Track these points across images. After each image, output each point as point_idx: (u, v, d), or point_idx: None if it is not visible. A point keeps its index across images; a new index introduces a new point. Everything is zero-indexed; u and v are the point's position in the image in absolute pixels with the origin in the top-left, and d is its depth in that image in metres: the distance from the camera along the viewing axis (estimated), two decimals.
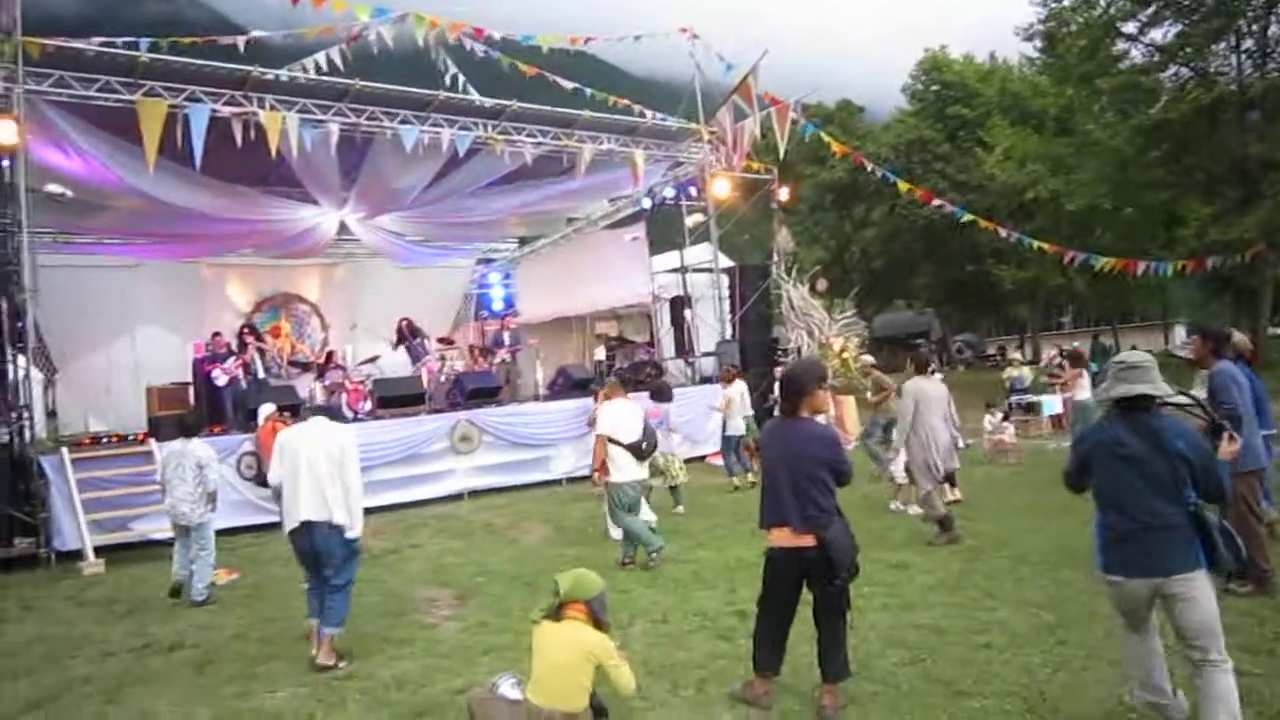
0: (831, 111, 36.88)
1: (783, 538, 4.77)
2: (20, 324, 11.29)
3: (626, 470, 8.49)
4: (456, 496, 13.55)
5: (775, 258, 19.22)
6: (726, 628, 6.34)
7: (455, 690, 5.38)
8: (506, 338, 18.79)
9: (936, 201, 22.83)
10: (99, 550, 10.38)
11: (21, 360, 11.38)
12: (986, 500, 10.60)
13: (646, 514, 9.41)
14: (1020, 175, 27.50)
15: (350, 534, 6.12)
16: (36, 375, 13.01)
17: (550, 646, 4.48)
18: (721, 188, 17.84)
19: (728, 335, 18.09)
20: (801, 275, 18.81)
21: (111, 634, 7.40)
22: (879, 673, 5.25)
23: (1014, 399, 18.29)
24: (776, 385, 5.28)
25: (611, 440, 8.46)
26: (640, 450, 8.53)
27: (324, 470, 6.07)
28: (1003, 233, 22.51)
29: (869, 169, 22.34)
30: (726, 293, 18.42)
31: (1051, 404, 17.30)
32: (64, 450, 11.15)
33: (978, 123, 32.93)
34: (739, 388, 13.34)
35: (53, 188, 12.35)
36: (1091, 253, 22.14)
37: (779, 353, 18.33)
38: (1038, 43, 27.89)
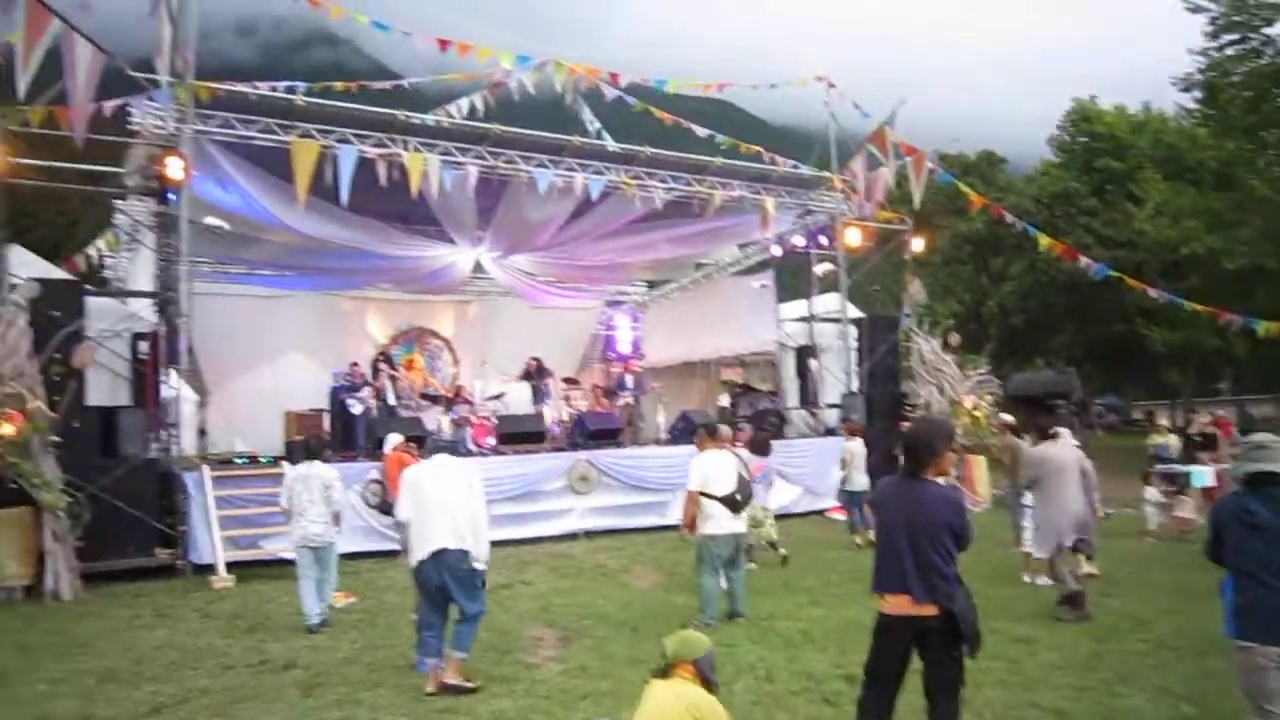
0: (972, 162, 36.00)
1: (900, 605, 4.49)
2: (176, 347, 12.01)
3: (719, 523, 8.08)
4: (571, 536, 13.60)
5: (906, 310, 18.73)
6: (832, 691, 6.08)
7: None
8: (630, 380, 18.89)
9: (1083, 261, 21.87)
10: (230, 565, 10.84)
11: (175, 381, 12.11)
12: (1125, 576, 9.93)
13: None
14: (1174, 231, 26.10)
15: (478, 565, 6.26)
16: (191, 396, 13.81)
17: (655, 699, 4.42)
18: (853, 236, 17.56)
19: (854, 387, 17.70)
20: (934, 329, 18.27)
21: (232, 648, 7.67)
22: None
23: (1159, 468, 17.14)
24: (901, 442, 4.99)
25: (704, 494, 8.10)
26: (734, 502, 8.13)
27: (455, 504, 6.26)
28: (1153, 292, 21.37)
29: (1009, 222, 21.61)
30: (854, 344, 18.05)
31: (1202, 475, 16.12)
32: (205, 468, 11.73)
33: (1128, 176, 31.50)
34: (858, 444, 12.95)
35: (211, 220, 13.16)
36: (1252, 316, 20.73)
37: (907, 407, 17.78)
38: (1197, 94, 26.53)
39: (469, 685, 6.17)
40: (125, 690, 6.51)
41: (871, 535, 12.21)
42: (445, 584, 6.18)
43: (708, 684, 4.41)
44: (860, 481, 12.63)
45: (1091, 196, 32.68)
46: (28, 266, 12.02)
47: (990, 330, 33.01)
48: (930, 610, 4.35)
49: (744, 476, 8.38)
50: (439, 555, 6.16)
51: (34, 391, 10.30)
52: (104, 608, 9.47)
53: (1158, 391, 48.15)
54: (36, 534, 10.17)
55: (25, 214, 13.29)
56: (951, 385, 17.42)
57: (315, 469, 8.65)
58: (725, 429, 10.13)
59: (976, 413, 17.12)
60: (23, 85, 10.27)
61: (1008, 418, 14.27)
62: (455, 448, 7.07)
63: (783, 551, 10.88)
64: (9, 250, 11.62)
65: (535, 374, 18.08)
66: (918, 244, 19.00)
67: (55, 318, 10.97)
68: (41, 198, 15.79)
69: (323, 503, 8.50)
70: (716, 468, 8.22)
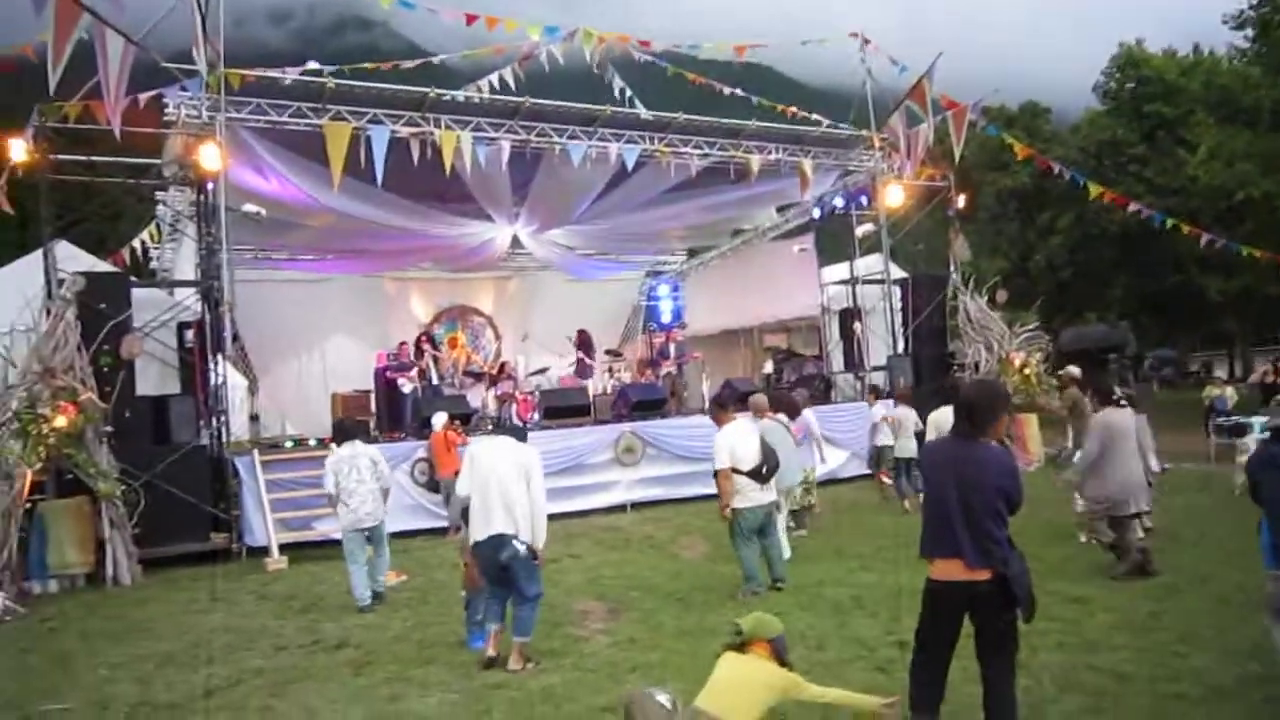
0: (1014, 114, 35.03)
1: (951, 570, 4.35)
2: (220, 334, 12.15)
3: (748, 495, 7.97)
4: (619, 508, 13.60)
5: (952, 268, 18.36)
6: (885, 659, 5.98)
7: (599, 708, 5.29)
8: (673, 350, 18.79)
9: (1133, 206, 21.25)
10: (283, 547, 10.99)
11: (222, 367, 12.26)
12: (1185, 532, 9.66)
13: (783, 540, 9.09)
14: (1228, 176, 25.20)
15: (535, 550, 6.30)
16: (240, 382, 14.01)
17: (733, 669, 4.54)
18: (894, 196, 17.22)
19: (900, 349, 17.43)
20: (980, 287, 17.90)
21: (286, 629, 7.78)
22: None
23: (1216, 420, 16.66)
24: (952, 403, 4.83)
25: (734, 470, 7.97)
26: (760, 475, 7.99)
27: (513, 487, 6.28)
28: (1208, 239, 20.72)
29: (1056, 172, 21.03)
30: (899, 305, 17.76)
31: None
32: (255, 452, 11.88)
33: (1179, 121, 30.48)
34: (911, 413, 12.70)
35: (249, 207, 13.22)
36: None
37: (955, 367, 17.49)
38: (1249, 31, 25.53)
39: (529, 667, 6.16)
40: (183, 673, 6.61)
41: (921, 500, 12.10)
42: (504, 566, 6.22)
43: (782, 663, 4.62)
44: (907, 447, 12.44)
45: (1141, 144, 31.71)
46: (74, 261, 12.18)
47: (1039, 286, 32.26)
48: (982, 575, 4.23)
49: (769, 445, 8.17)
50: (497, 540, 6.20)
51: (85, 383, 10.50)
52: (162, 592, 9.67)
53: (1214, 342, 46.92)
54: (95, 522, 10.40)
55: (69, 209, 13.44)
56: (1000, 343, 17.08)
57: (359, 449, 8.58)
58: (761, 398, 10.04)
59: (1026, 370, 16.79)
60: (53, 81, 10.36)
61: (1074, 370, 13.94)
62: (520, 432, 6.94)
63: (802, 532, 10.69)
64: (55, 245, 11.79)
65: (582, 347, 18.05)
66: (961, 201, 18.56)
67: (102, 310, 11.14)
68: (85, 193, 16.03)
69: (372, 481, 8.40)
70: (741, 441, 8.09)
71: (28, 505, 10.02)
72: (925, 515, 4.59)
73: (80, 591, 10.04)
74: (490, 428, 7.38)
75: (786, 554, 9.06)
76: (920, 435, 12.48)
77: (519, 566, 6.23)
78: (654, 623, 7.19)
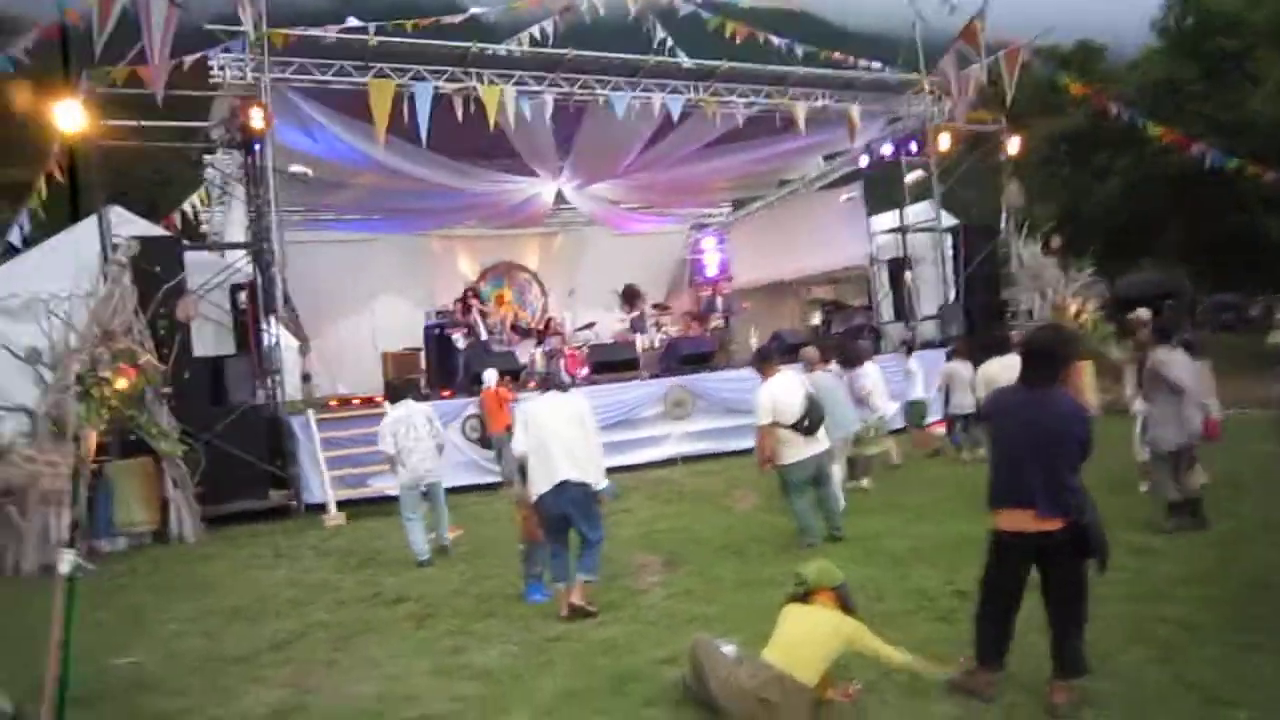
0: (1068, 54, 33.84)
1: (1021, 520, 4.27)
2: (272, 295, 12.27)
3: (794, 449, 7.86)
4: (670, 461, 13.62)
5: (1004, 214, 17.95)
6: (946, 609, 5.93)
7: (659, 660, 5.31)
8: (720, 303, 18.65)
9: (1196, 148, 20.53)
10: (340, 504, 11.16)
11: (275, 328, 12.41)
12: (1251, 479, 9.43)
13: (837, 491, 9.03)
14: None
15: (599, 488, 6.53)
16: (291, 343, 14.16)
17: (799, 620, 4.53)
18: (945, 141, 16.83)
19: (951, 298, 17.14)
20: (1033, 233, 17.49)
21: (346, 583, 7.92)
22: (1121, 670, 4.70)
23: None
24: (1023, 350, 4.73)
25: (776, 424, 7.88)
26: (803, 427, 7.82)
27: (571, 435, 6.48)
28: (1275, 177, 19.99)
29: (1114, 113, 20.37)
30: (950, 253, 17.43)
31: None
32: (310, 412, 12.05)
33: (1243, 54, 29.29)
34: (965, 367, 12.41)
35: (295, 168, 13.28)
36: None
37: (1008, 315, 17.17)
38: None
39: (592, 609, 6.30)
40: (250, 627, 6.77)
41: (981, 452, 11.91)
42: (567, 513, 6.40)
43: (847, 610, 4.60)
44: (963, 403, 12.18)
45: (1201, 81, 30.54)
46: (128, 225, 12.35)
47: (1093, 232, 31.43)
48: (1055, 524, 4.15)
49: (813, 397, 7.97)
50: (561, 487, 6.36)
51: (144, 346, 10.69)
52: (225, 549, 9.89)
53: (1277, 285, 45.45)
54: (159, 482, 10.65)
55: (119, 175, 13.61)
56: (1055, 290, 16.73)
57: (413, 407, 8.71)
58: (811, 350, 9.92)
59: (1082, 317, 16.44)
60: (98, 46, 10.43)
61: (1143, 313, 13.54)
62: (564, 385, 7.35)
63: (864, 482, 10.55)
64: (109, 211, 11.95)
65: (631, 300, 17.98)
66: (1014, 144, 18.07)
67: (157, 274, 11.30)
68: (136, 158, 16.19)
69: (429, 438, 8.55)
70: (783, 394, 7.93)
71: (94, 466, 10.26)
72: (994, 465, 4.49)
73: (147, 548, 10.31)
74: (538, 387, 7.52)
75: (841, 505, 9.03)
76: (974, 388, 12.25)
77: (583, 510, 6.43)
78: (711, 575, 7.20)
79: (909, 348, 14.23)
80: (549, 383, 7.30)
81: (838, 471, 9.32)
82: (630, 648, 5.58)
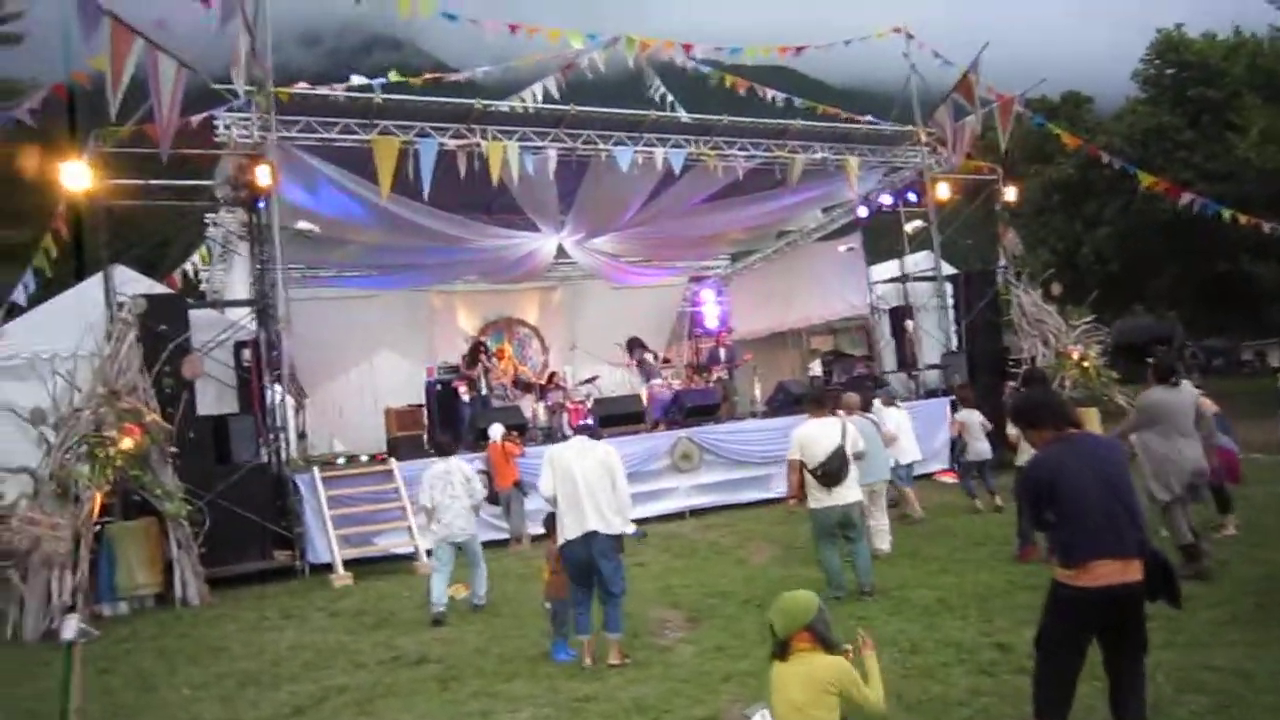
0: (1056, 104, 34.46)
1: (1115, 572, 4.01)
2: (276, 353, 12.18)
3: (815, 495, 7.83)
4: (678, 515, 13.47)
5: (1003, 262, 18.05)
6: (987, 661, 5.80)
7: (697, 719, 5.16)
8: (723, 354, 18.60)
9: (1186, 197, 20.75)
10: (346, 564, 10.95)
11: (278, 386, 12.29)
12: (1270, 522, 9.35)
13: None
14: None
15: (626, 530, 6.63)
16: (288, 400, 14.02)
17: (785, 686, 4.05)
18: (943, 191, 16.98)
19: (954, 346, 17.15)
20: (1031, 280, 17.57)
21: (362, 645, 7.71)
22: None
23: None
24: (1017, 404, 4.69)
25: (803, 465, 7.86)
26: (818, 475, 7.73)
27: (598, 483, 6.51)
28: (1267, 227, 20.20)
29: (1106, 162, 20.63)
30: (951, 301, 17.49)
31: None
32: (315, 470, 11.88)
33: (1225, 104, 29.79)
34: (975, 415, 12.36)
35: (302, 225, 13.27)
36: None
37: (1010, 363, 17.17)
38: None
39: (627, 662, 6.39)
40: (265, 692, 6.56)
41: (998, 500, 11.77)
42: (592, 562, 6.41)
43: (828, 645, 4.00)
44: (980, 450, 12.07)
45: (1187, 129, 31.04)
46: (131, 284, 12.24)
47: (1088, 279, 31.63)
48: (1140, 570, 4.02)
49: (841, 448, 7.81)
50: (589, 537, 6.40)
51: (149, 405, 10.54)
52: (232, 611, 9.65)
53: (1266, 331, 45.74)
54: (162, 543, 10.42)
55: (120, 235, 13.55)
56: (1056, 337, 16.76)
57: (453, 464, 8.85)
58: (853, 396, 9.97)
59: (1085, 364, 16.46)
60: (114, 107, 10.46)
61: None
62: (594, 431, 7.41)
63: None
64: (114, 269, 11.89)
65: (634, 350, 17.93)
66: (1011, 193, 18.25)
67: (162, 332, 11.19)
68: (137, 218, 16.19)
69: (465, 497, 8.67)
70: (812, 437, 7.88)
71: (96, 528, 10.06)
72: (1072, 519, 4.15)
73: (150, 612, 10.05)
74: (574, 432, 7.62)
75: (886, 546, 9.14)
76: (990, 436, 12.19)
77: (608, 562, 6.42)
78: (737, 630, 7.04)
79: (888, 397, 13.39)
80: (578, 429, 7.42)
81: (884, 521, 9.31)
82: (666, 706, 5.42)
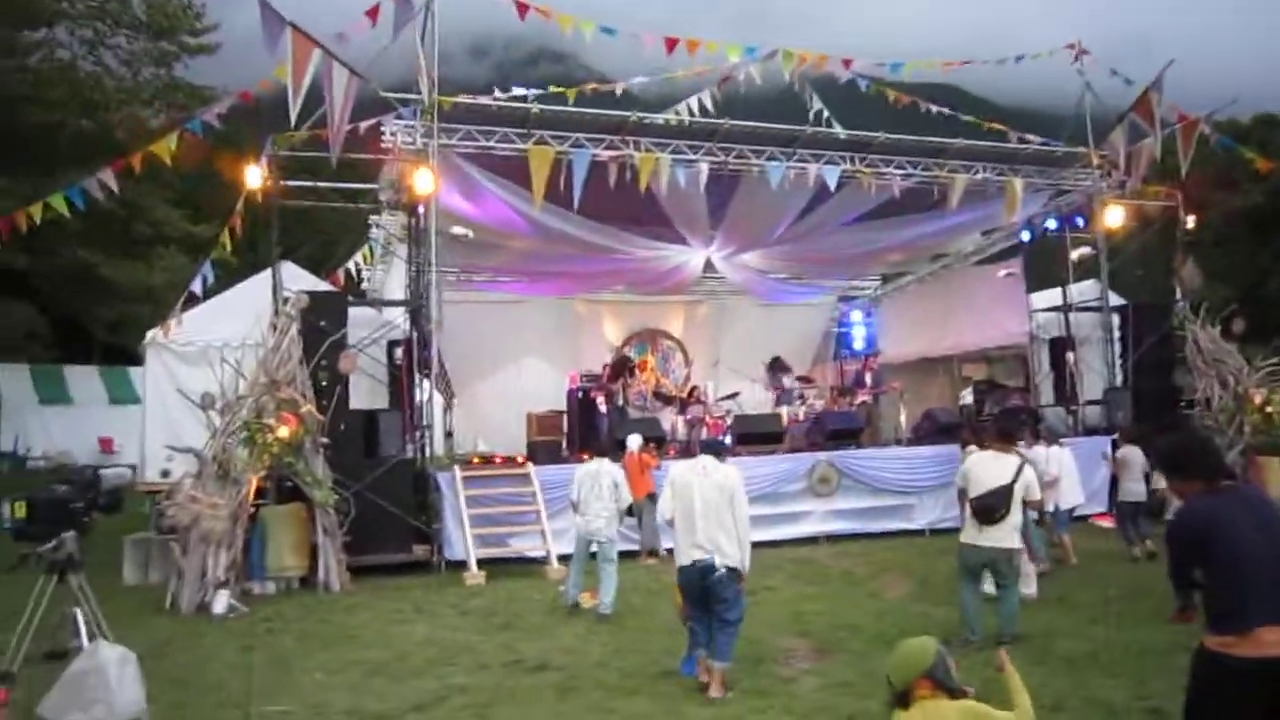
0: (1247, 127, 32.21)
1: None
2: (427, 352, 12.57)
3: (966, 531, 7.40)
4: (812, 540, 13.12)
5: (1178, 295, 16.87)
6: None
7: None
8: (869, 378, 18.09)
9: None
10: (480, 562, 11.16)
11: (427, 385, 12.69)
12: None
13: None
14: None
15: (739, 571, 6.25)
16: (438, 399, 14.45)
17: None
18: (1114, 217, 16.02)
19: (1118, 382, 16.13)
20: (1210, 316, 16.35)
21: (487, 646, 7.81)
22: None
23: None
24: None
25: (964, 492, 7.45)
26: (979, 509, 7.25)
27: (716, 508, 6.27)
28: None
29: None
30: (1118, 334, 16.45)
31: None
32: (456, 468, 12.18)
33: None
34: (1137, 453, 11.62)
35: (457, 230, 13.67)
36: None
37: (1183, 404, 16.02)
38: None
39: (729, 696, 6.09)
40: (391, 684, 6.72)
41: (1150, 545, 11.02)
42: (708, 590, 6.20)
43: (950, 692, 3.58)
44: (1136, 491, 11.33)
45: None
46: (297, 280, 12.95)
47: (1273, 316, 29.36)
48: None
49: (1006, 489, 7.27)
50: (702, 566, 6.19)
51: (305, 396, 11.05)
52: (369, 600, 9.97)
53: None
54: (310, 529, 10.89)
55: (291, 234, 14.36)
56: (1236, 378, 15.52)
57: (605, 467, 9.24)
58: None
59: (1269, 409, 15.18)
60: (294, 113, 11.05)
61: None
62: (718, 448, 7.07)
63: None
64: (281, 266, 12.56)
65: (778, 372, 17.67)
66: (1191, 221, 17.06)
67: (322, 327, 11.73)
68: (304, 219, 17.11)
69: (610, 500, 8.99)
70: (981, 467, 7.47)
71: (251, 510, 10.60)
72: (1231, 579, 3.72)
73: (295, 594, 10.51)
74: (700, 449, 7.44)
75: (1031, 590, 8.71)
76: (1148, 477, 11.41)
77: (722, 591, 6.18)
78: (866, 667, 6.73)
79: (1050, 434, 12.82)
80: (707, 446, 7.13)
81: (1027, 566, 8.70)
82: None
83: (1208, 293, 26.34)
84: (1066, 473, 11.13)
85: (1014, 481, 7.27)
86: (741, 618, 6.35)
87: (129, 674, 4.83)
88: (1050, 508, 10.04)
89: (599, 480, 9.02)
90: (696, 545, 6.21)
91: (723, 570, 6.15)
